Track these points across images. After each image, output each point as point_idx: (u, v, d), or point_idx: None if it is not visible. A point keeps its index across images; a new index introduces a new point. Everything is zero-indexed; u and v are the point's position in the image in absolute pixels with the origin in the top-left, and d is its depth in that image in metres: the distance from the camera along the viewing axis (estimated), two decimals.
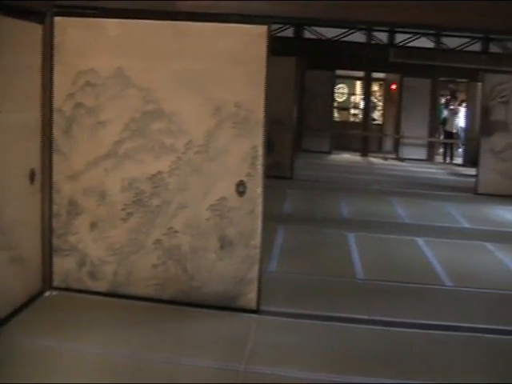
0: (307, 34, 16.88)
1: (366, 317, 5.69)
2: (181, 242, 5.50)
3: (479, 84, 15.44)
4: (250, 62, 5.37)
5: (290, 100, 13.50)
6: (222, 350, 4.77)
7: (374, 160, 18.71)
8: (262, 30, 5.33)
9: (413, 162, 18.48)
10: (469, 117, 19.60)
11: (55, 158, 5.61)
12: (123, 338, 4.86)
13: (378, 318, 5.68)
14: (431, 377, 4.60)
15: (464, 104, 20.83)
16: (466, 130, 19.85)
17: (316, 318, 5.58)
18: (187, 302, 5.53)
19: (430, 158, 19.34)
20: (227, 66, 5.39)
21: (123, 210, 5.54)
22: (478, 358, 5.01)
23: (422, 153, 19.25)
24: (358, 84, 23.29)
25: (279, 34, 15.06)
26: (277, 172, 12.59)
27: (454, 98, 21.83)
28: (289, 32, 16.57)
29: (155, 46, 5.46)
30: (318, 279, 6.73)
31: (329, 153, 18.85)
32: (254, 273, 5.47)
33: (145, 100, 5.45)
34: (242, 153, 5.42)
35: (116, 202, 5.55)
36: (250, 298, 5.49)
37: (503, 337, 5.52)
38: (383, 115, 22.17)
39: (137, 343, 4.79)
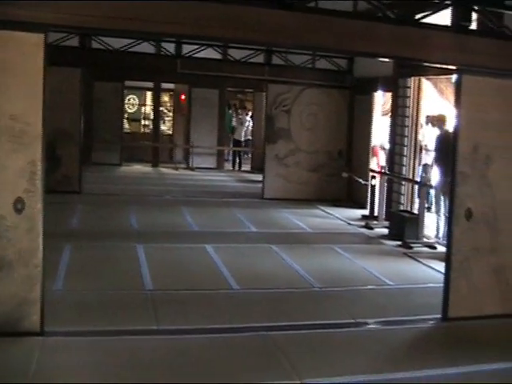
0: (95, 44, 16.54)
1: (154, 327, 5.72)
2: None
3: (264, 94, 16.17)
4: (25, 72, 5.16)
5: (77, 112, 13.17)
6: (3, 379, 4.50)
7: (165, 170, 18.81)
8: (38, 38, 5.15)
9: (203, 170, 18.86)
10: (255, 125, 20.51)
11: None
12: None
13: (166, 327, 5.74)
14: (220, 379, 4.72)
15: (251, 113, 21.77)
16: (253, 137, 20.76)
17: (104, 333, 5.49)
18: None
19: (219, 166, 19.87)
20: (1, 76, 5.12)
21: None
22: (265, 355, 5.24)
23: (211, 161, 19.70)
24: (149, 95, 23.28)
25: (63, 44, 14.57)
26: (64, 186, 12.26)
27: (241, 107, 22.70)
28: (74, 41, 16.12)
29: None
30: (106, 294, 6.62)
31: (120, 165, 18.63)
32: (37, 293, 5.25)
33: None
34: (19, 168, 5.19)
35: None
36: (34, 320, 5.25)
37: (288, 332, 5.84)
38: (173, 126, 22.37)
39: None
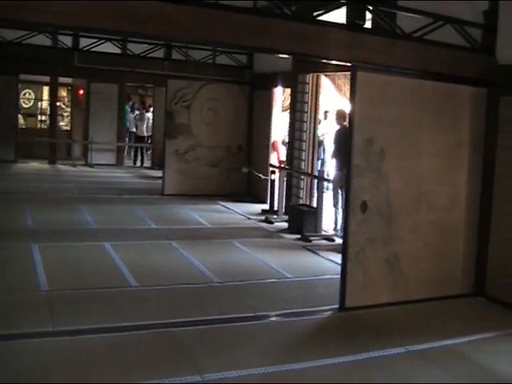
0: None
1: (50, 329, 5.53)
2: None
3: (164, 89, 16.03)
4: None
5: None
6: None
7: (63, 167, 18.32)
8: None
9: (102, 167, 18.52)
10: (156, 121, 20.29)
11: None
12: None
13: (62, 328, 5.57)
14: (120, 378, 4.63)
15: (151, 108, 21.50)
16: (153, 133, 20.54)
17: None
18: None
19: (119, 163, 19.58)
20: None
21: None
22: (166, 352, 5.20)
23: (111, 158, 19.39)
24: (46, 89, 22.57)
25: None
26: None
27: (141, 102, 22.39)
28: None
29: None
30: None
31: (15, 162, 17.97)
32: None
33: None
34: None
35: None
36: None
37: (188, 328, 5.80)
38: (71, 121, 21.80)
39: None
